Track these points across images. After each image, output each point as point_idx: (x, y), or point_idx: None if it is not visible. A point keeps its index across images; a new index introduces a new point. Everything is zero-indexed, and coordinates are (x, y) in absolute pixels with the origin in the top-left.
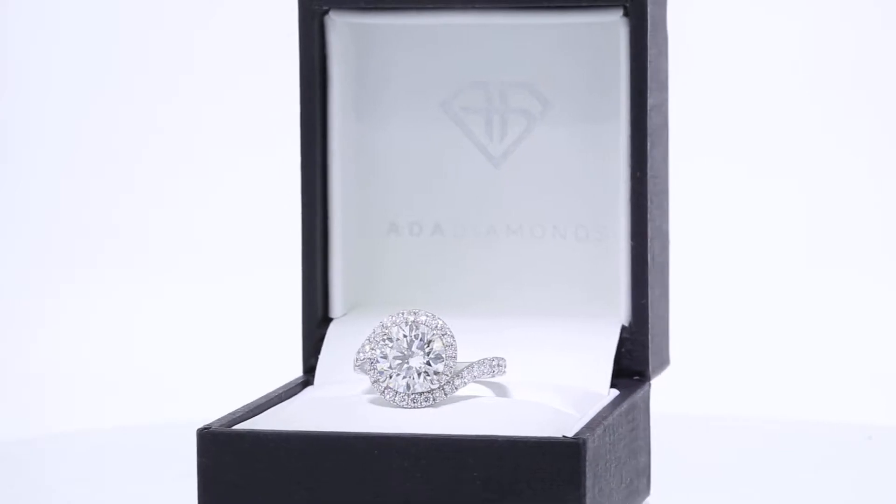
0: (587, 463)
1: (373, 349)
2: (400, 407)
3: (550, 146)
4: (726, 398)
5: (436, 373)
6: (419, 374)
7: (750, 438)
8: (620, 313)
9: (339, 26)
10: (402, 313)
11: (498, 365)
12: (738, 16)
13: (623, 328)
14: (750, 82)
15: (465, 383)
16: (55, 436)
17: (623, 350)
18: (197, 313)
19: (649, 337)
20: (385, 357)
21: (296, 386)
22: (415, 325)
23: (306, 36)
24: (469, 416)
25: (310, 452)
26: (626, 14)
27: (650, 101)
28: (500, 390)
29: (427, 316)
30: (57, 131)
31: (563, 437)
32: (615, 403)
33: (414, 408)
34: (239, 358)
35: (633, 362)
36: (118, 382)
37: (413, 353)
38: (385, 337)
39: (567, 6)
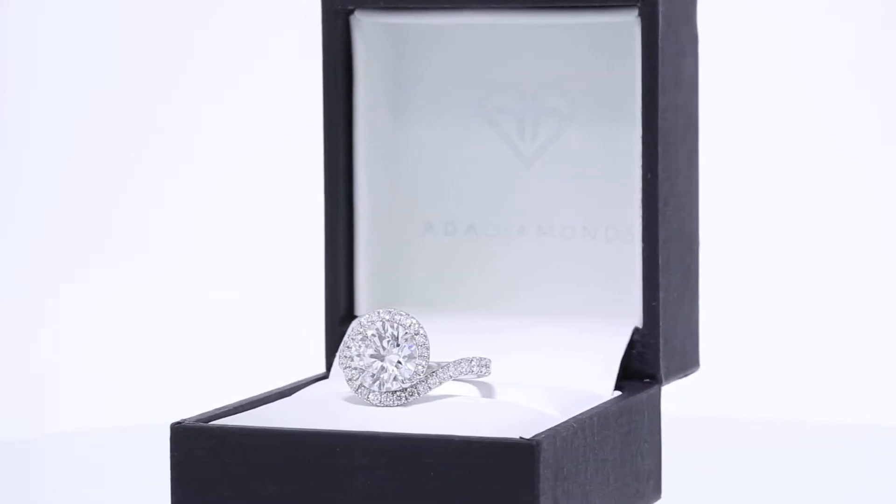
0: (542, 464)
1: (348, 347)
2: (374, 405)
3: (581, 147)
4: (753, 400)
5: (407, 372)
6: (391, 373)
7: (773, 441)
8: (634, 315)
9: (365, 26)
10: (378, 312)
11: (483, 365)
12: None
13: (635, 330)
14: (780, 83)
15: (441, 382)
16: (58, 435)
17: (634, 352)
18: (216, 312)
19: (660, 339)
20: (360, 355)
21: (308, 383)
22: (389, 324)
23: (330, 35)
24: (440, 415)
25: (275, 448)
26: (640, 14)
27: (663, 102)
28: (485, 390)
29: (401, 315)
30: (57, 131)
31: (520, 438)
32: (605, 406)
33: (387, 406)
34: (262, 356)
35: (645, 365)
36: (141, 382)
37: (386, 352)
38: (360, 335)
39: (584, 6)
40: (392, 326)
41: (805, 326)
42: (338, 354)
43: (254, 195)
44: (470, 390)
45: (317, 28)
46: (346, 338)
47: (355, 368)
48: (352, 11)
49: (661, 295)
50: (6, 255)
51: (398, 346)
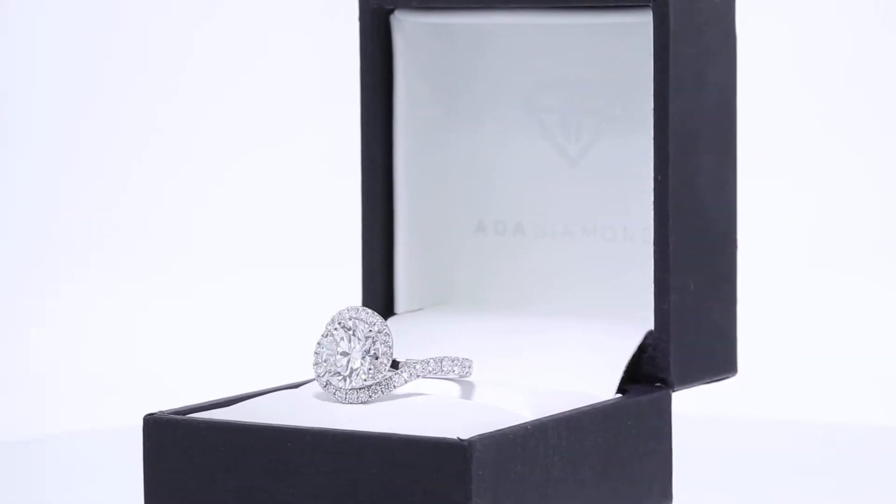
0: (476, 465)
1: (319, 344)
2: (340, 402)
3: (622, 147)
4: (788, 405)
5: (370, 370)
6: (354, 371)
7: (802, 446)
8: (651, 318)
9: (405, 25)
10: (347, 310)
11: (463, 366)
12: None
13: (649, 333)
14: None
15: (406, 381)
16: (57, 436)
17: (645, 356)
18: (229, 311)
19: (671, 343)
20: (327, 352)
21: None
22: (355, 322)
23: (368, 35)
24: (401, 413)
25: (234, 442)
26: (653, 13)
27: (678, 104)
28: (463, 390)
29: (367, 314)
30: (57, 131)
31: (458, 438)
32: (585, 408)
33: (351, 403)
34: (282, 355)
35: (656, 368)
36: (161, 380)
37: (351, 350)
38: (329, 333)
39: (628, 5)
40: (357, 324)
41: (839, 329)
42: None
43: (286, 195)
44: (448, 390)
45: (353, 27)
46: (320, 336)
47: (321, 364)
48: (391, 11)
49: (673, 297)
50: (5, 254)
51: (362, 343)
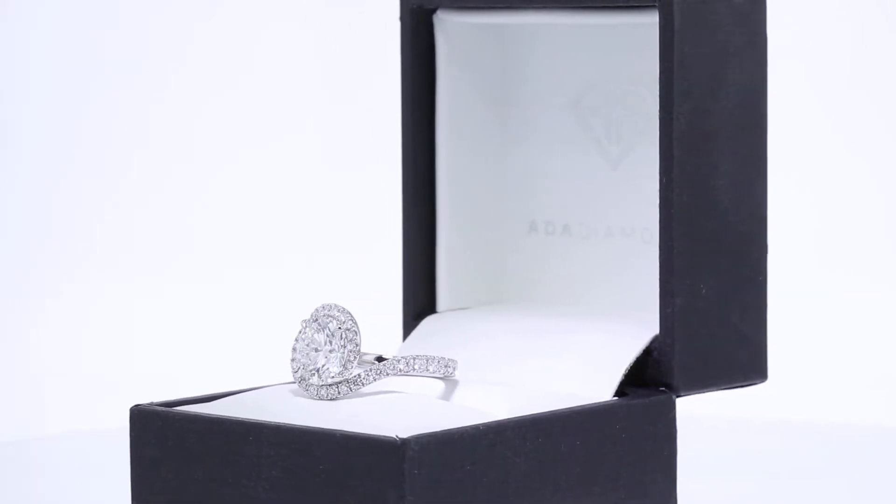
0: (410, 463)
1: (296, 340)
2: (312, 398)
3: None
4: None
5: (336, 366)
6: (323, 368)
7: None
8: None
9: (448, 25)
10: (322, 307)
11: (446, 364)
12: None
13: (656, 336)
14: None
15: (374, 380)
16: (56, 436)
17: (651, 359)
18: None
19: (675, 346)
20: (302, 349)
21: None
22: (327, 318)
23: (410, 34)
24: (365, 411)
25: (201, 434)
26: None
27: (687, 105)
28: (442, 389)
29: (339, 311)
30: (53, 132)
31: (395, 437)
32: (562, 411)
33: (322, 399)
34: None
35: (660, 373)
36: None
37: (321, 347)
38: (303, 331)
39: (644, 6)
40: (328, 321)
41: (853, 331)
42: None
43: (329, 192)
44: (428, 388)
45: (394, 27)
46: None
47: (297, 360)
48: (433, 10)
49: (679, 300)
50: (1, 255)
51: (331, 339)
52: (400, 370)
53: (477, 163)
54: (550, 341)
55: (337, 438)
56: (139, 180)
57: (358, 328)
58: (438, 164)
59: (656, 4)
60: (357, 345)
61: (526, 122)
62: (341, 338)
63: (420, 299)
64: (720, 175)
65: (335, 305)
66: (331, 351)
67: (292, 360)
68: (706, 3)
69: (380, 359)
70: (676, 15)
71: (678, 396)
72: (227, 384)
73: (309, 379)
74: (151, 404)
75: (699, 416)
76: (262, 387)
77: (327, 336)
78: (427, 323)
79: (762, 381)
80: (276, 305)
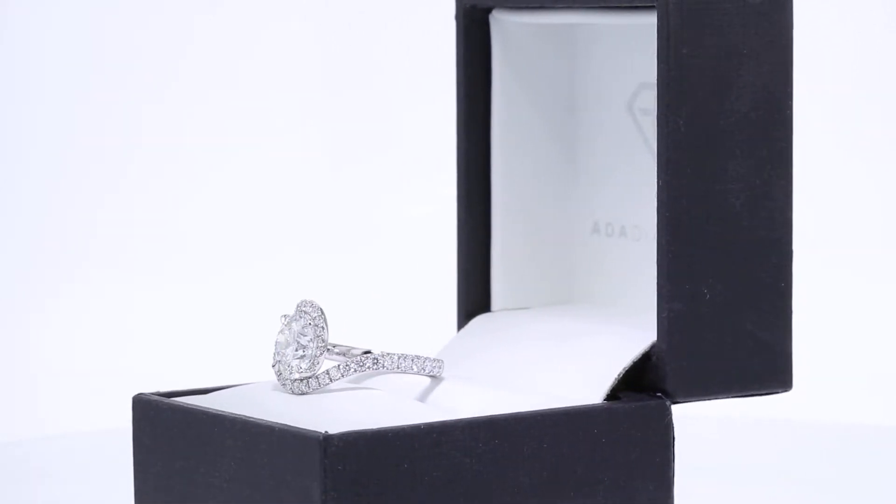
0: (332, 459)
1: (277, 336)
2: (287, 393)
3: None
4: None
5: (304, 361)
6: (294, 364)
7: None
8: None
9: (504, 24)
10: (301, 304)
11: (433, 363)
12: None
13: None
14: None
15: (341, 376)
16: (58, 436)
17: (649, 363)
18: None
19: (670, 352)
20: (280, 344)
21: None
22: (301, 313)
23: (465, 34)
24: (326, 407)
25: (187, 425)
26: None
27: (688, 105)
28: (421, 388)
29: (311, 307)
30: (49, 132)
31: (322, 432)
32: (523, 413)
33: (295, 393)
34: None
35: (658, 378)
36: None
37: (293, 342)
38: (282, 327)
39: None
40: (301, 315)
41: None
42: None
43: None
44: (413, 386)
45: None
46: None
47: (276, 354)
48: (489, 10)
49: (677, 305)
50: None
51: (302, 335)
52: (369, 367)
53: (531, 162)
54: (568, 344)
55: (275, 432)
56: (137, 179)
57: (326, 324)
58: (493, 164)
59: (654, 5)
60: (324, 340)
61: (579, 122)
62: (310, 334)
63: (473, 298)
64: (730, 178)
65: (309, 301)
66: (303, 346)
67: (273, 354)
68: (711, 4)
69: (366, 353)
70: (673, 15)
71: (674, 403)
72: (226, 383)
73: (284, 373)
74: (152, 394)
75: (699, 416)
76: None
77: (298, 331)
78: (475, 322)
79: (785, 390)
80: (275, 305)
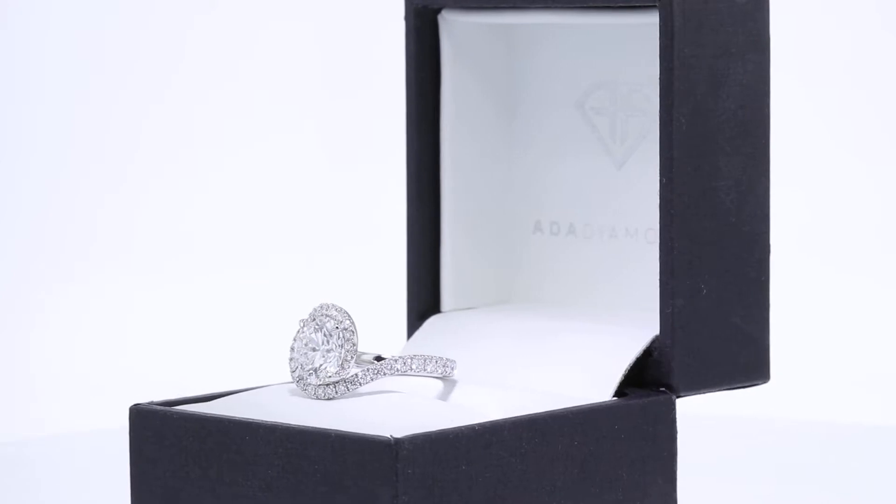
0: (404, 463)
1: (293, 339)
2: (310, 398)
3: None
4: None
5: (333, 366)
6: (321, 367)
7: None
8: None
9: (453, 25)
10: (320, 307)
11: (444, 364)
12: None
13: (656, 337)
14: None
15: (371, 380)
16: (57, 436)
17: (651, 359)
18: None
19: (674, 348)
20: (299, 348)
21: None
22: (324, 318)
23: (414, 34)
24: (362, 410)
25: (200, 432)
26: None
27: (687, 105)
28: (440, 389)
29: (336, 310)
30: (48, 132)
31: (390, 436)
32: (557, 411)
33: (319, 399)
34: None
35: (660, 374)
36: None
37: (319, 347)
38: (301, 330)
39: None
40: (326, 320)
41: (853, 331)
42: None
43: (315, 193)
44: (426, 388)
45: (398, 27)
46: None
47: (295, 360)
48: (438, 10)
49: (680, 301)
50: None
51: (329, 339)
52: (398, 370)
53: (481, 162)
54: (552, 342)
55: (331, 438)
56: (137, 179)
57: (355, 327)
58: (443, 164)
59: (656, 4)
60: (354, 344)
61: (532, 121)
62: (338, 337)
63: (424, 299)
64: (722, 176)
65: (332, 305)
66: (328, 350)
67: (290, 359)
68: (707, 3)
69: (378, 358)
70: (677, 15)
71: (678, 397)
72: (225, 383)
73: (307, 378)
74: (151, 403)
75: (699, 415)
76: (261, 386)
77: (325, 335)
78: (431, 323)
79: (764, 382)
80: (275, 304)
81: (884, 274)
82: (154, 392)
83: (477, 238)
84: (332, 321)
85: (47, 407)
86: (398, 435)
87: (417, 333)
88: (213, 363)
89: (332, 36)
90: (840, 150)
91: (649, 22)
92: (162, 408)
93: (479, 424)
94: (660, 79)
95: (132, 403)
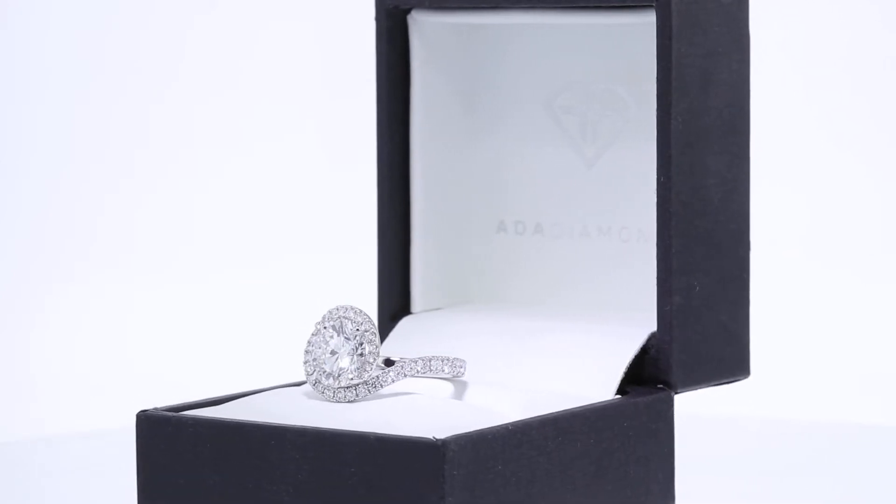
0: (450, 465)
1: (309, 342)
2: (329, 401)
3: (638, 149)
4: (802, 406)
5: (357, 369)
6: (342, 370)
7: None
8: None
9: (423, 25)
10: (336, 309)
11: (456, 366)
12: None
13: (652, 335)
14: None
15: (394, 381)
16: (58, 437)
17: (648, 357)
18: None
19: (673, 344)
20: (316, 351)
21: None
22: (343, 321)
23: (385, 35)
24: (387, 412)
25: (221, 439)
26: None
27: (682, 104)
28: (455, 390)
29: (355, 312)
30: (48, 133)
31: (433, 438)
32: (575, 410)
33: (339, 402)
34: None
35: (658, 370)
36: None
37: (338, 349)
38: (318, 332)
39: (622, 6)
40: (344, 323)
41: (846, 329)
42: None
43: (297, 193)
44: (439, 389)
45: (368, 27)
46: (309, 335)
47: (311, 363)
48: (408, 11)
49: (677, 299)
50: None
51: (349, 342)
52: (417, 371)
53: (452, 163)
54: (534, 341)
55: (371, 441)
56: (137, 180)
57: (376, 330)
58: (413, 165)
59: (653, 5)
60: (377, 346)
61: (501, 121)
62: (360, 340)
63: (395, 300)
64: (711, 174)
65: (351, 307)
66: (348, 353)
67: (305, 362)
68: (698, 3)
69: (387, 361)
70: (674, 15)
71: (676, 393)
72: (225, 383)
73: (324, 381)
74: (158, 409)
75: (696, 413)
76: (263, 389)
77: (344, 338)
78: (405, 324)
79: (745, 377)
80: (275, 305)
81: (875, 271)
82: (154, 392)
83: (447, 239)
84: (351, 323)
85: (47, 407)
86: (435, 436)
87: (392, 334)
88: (212, 363)
89: (332, 36)
90: (825, 146)
91: (621, 22)
92: (173, 414)
93: (512, 424)
94: (657, 78)
95: (139, 410)
